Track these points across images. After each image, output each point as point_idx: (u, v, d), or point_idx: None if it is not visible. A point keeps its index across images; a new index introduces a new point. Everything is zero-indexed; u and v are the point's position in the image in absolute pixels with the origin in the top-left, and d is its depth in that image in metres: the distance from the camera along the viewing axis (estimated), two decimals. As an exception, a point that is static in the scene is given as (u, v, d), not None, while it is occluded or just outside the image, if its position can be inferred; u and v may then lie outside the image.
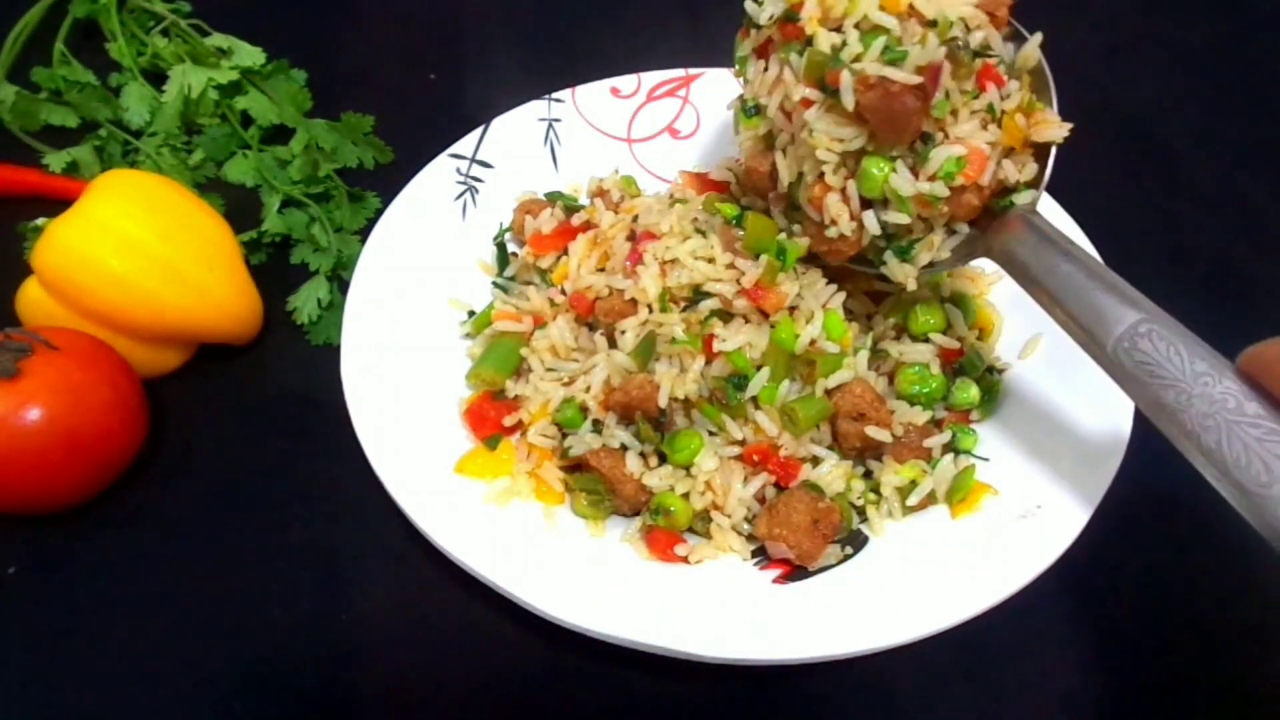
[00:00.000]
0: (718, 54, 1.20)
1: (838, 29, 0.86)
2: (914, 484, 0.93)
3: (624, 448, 0.94)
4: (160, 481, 1.01)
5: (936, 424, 0.97)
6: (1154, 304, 0.80)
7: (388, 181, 1.17)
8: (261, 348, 1.10)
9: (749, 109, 0.95)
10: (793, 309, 0.94)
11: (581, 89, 1.21)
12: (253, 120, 1.27)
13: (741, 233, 0.94)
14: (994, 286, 1.08)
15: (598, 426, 0.96)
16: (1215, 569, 0.99)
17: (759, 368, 0.92)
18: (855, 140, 0.86)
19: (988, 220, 0.92)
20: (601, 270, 1.01)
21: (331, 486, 1.00)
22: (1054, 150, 0.91)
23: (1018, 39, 0.93)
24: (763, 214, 0.95)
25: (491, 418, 0.98)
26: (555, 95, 1.20)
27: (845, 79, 0.83)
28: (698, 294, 0.94)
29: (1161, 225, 1.28)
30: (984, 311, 1.04)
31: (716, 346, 0.92)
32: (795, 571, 0.90)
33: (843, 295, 0.95)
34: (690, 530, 0.94)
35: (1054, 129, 0.90)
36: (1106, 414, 0.95)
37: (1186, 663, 0.94)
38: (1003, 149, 0.90)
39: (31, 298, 1.00)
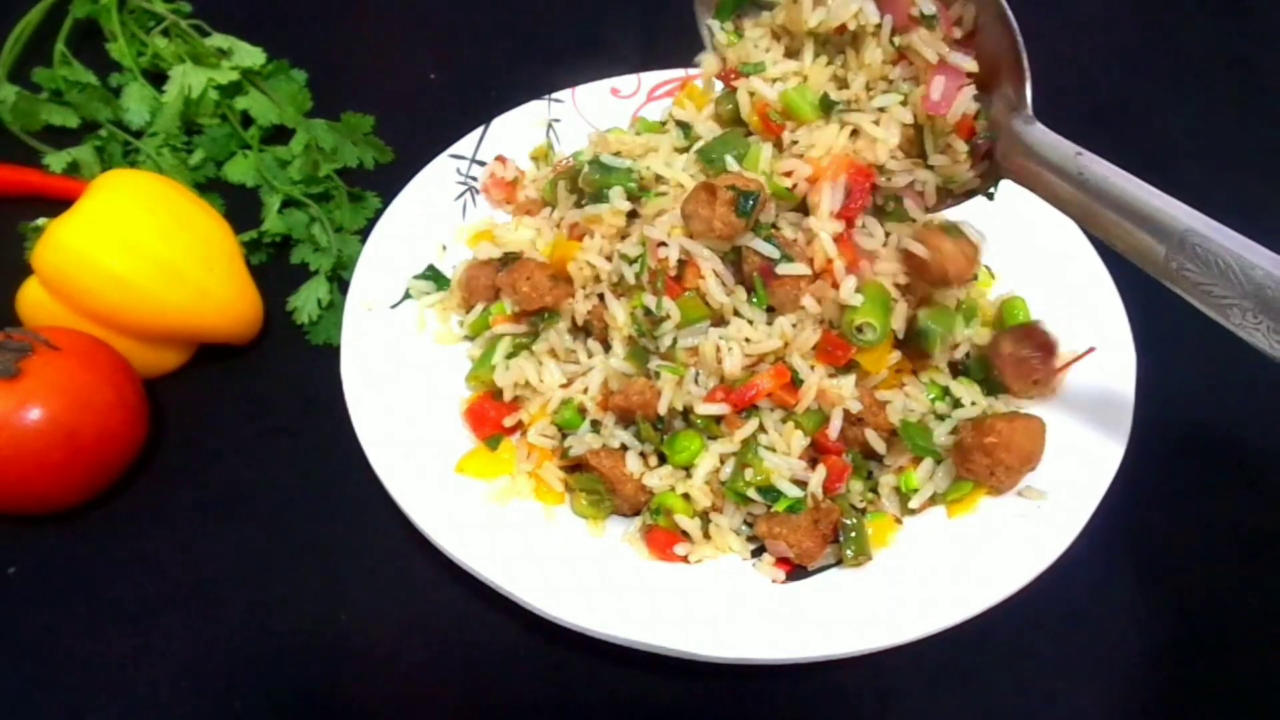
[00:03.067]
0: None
1: None
2: (915, 490, 0.93)
3: (624, 448, 0.94)
4: (160, 481, 1.01)
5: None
6: (1195, 213, 0.77)
7: (388, 182, 1.16)
8: (261, 348, 1.10)
9: None
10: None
11: (581, 89, 1.21)
12: (253, 120, 1.27)
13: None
14: (994, 286, 1.08)
15: (596, 426, 0.96)
16: (1215, 568, 0.99)
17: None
18: None
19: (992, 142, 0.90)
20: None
21: (331, 486, 1.00)
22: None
23: None
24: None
25: (492, 418, 0.98)
26: (555, 95, 1.20)
27: None
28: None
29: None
30: (986, 310, 1.04)
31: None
32: (795, 571, 0.90)
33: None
34: (690, 530, 0.94)
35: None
36: (1106, 414, 0.95)
37: (1186, 662, 0.94)
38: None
39: (32, 298, 1.00)
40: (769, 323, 0.92)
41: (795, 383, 0.90)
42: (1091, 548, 0.89)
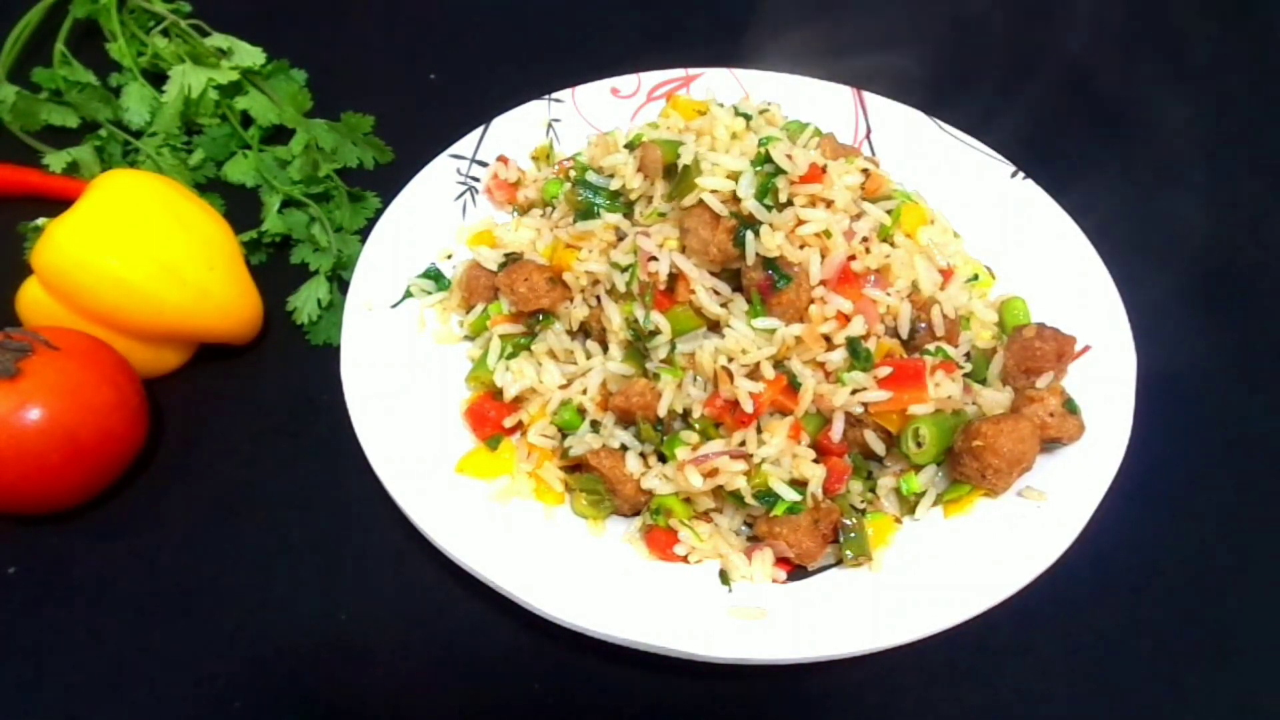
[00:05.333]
0: (718, 53, 1.20)
1: None
2: (916, 493, 0.93)
3: (624, 448, 0.94)
4: (160, 482, 1.00)
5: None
6: None
7: (388, 182, 1.16)
8: (261, 348, 1.10)
9: None
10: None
11: (581, 89, 1.21)
12: (253, 120, 1.27)
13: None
14: (994, 286, 1.08)
15: (596, 427, 0.96)
16: (1216, 566, 0.99)
17: None
18: None
19: None
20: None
21: (332, 486, 1.00)
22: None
23: None
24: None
25: (492, 418, 0.97)
26: (555, 95, 1.20)
27: None
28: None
29: (1161, 223, 1.27)
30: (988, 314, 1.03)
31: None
32: (795, 571, 0.90)
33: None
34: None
35: None
36: (1107, 413, 0.95)
37: (1188, 662, 0.94)
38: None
39: (32, 298, 0.99)
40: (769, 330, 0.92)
41: (793, 385, 0.91)
42: (1092, 547, 0.89)
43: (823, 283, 0.91)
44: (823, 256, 0.91)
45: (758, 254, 0.91)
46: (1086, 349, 0.97)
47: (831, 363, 0.91)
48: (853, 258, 0.93)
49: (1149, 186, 1.32)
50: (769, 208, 0.91)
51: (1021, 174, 1.14)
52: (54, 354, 0.92)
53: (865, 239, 0.94)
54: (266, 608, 0.93)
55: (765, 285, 0.90)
